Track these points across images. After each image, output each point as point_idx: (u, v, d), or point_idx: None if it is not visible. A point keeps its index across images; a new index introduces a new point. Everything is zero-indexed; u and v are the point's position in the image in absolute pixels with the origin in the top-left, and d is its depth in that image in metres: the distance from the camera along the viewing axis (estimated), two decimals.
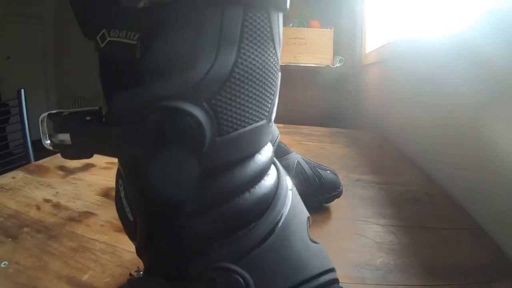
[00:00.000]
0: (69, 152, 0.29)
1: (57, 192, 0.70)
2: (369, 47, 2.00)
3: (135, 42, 0.23)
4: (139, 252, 0.31)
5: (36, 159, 1.51)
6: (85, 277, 0.43)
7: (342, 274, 0.44)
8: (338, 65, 2.20)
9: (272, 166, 0.31)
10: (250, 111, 0.27)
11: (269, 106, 0.29)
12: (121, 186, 0.31)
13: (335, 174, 0.65)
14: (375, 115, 1.66)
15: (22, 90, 1.62)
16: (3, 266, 0.45)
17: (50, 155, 0.96)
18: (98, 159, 0.92)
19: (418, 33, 1.11)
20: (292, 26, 2.32)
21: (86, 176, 0.81)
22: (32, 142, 1.63)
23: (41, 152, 1.23)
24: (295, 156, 0.64)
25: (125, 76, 0.25)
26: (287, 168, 0.61)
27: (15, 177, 0.79)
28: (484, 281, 0.45)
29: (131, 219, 0.29)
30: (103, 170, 0.84)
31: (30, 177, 0.79)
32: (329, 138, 1.30)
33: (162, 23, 0.23)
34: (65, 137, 0.28)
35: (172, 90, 0.24)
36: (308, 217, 0.31)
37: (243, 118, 0.26)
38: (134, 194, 0.28)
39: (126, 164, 0.29)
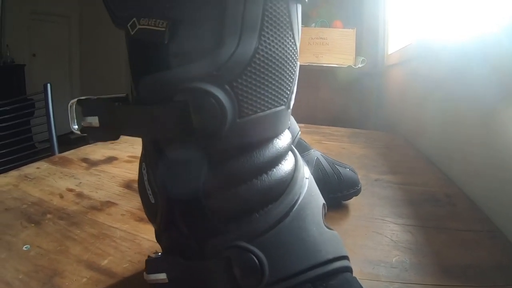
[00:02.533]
0: (96, 134, 0.30)
1: (80, 183, 0.72)
2: (391, 48, 1.98)
3: (164, 29, 0.25)
4: (158, 236, 0.32)
5: (60, 152, 1.55)
6: (104, 262, 0.44)
7: (357, 270, 0.44)
8: (360, 65, 2.18)
9: (290, 153, 0.32)
10: (270, 95, 0.28)
11: (288, 92, 0.30)
12: (144, 169, 0.32)
13: (354, 172, 0.64)
14: (396, 116, 1.65)
15: (48, 85, 1.65)
16: (25, 249, 0.47)
17: (72, 148, 0.99)
18: (121, 153, 0.94)
19: (441, 34, 1.09)
20: (315, 26, 2.31)
21: (109, 168, 0.82)
22: (57, 137, 1.67)
23: (65, 146, 1.26)
24: (315, 153, 0.64)
25: (153, 61, 0.27)
26: (307, 164, 0.61)
27: (40, 167, 0.82)
28: (500, 284, 0.44)
29: (152, 201, 0.30)
30: (125, 163, 0.86)
31: (54, 167, 0.82)
32: (349, 138, 1.30)
33: (188, 11, 0.25)
34: (93, 119, 0.29)
35: (197, 73, 0.25)
36: (324, 204, 0.32)
37: (262, 102, 0.27)
38: (156, 176, 0.29)
39: (150, 146, 0.30)
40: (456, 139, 0.87)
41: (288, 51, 0.28)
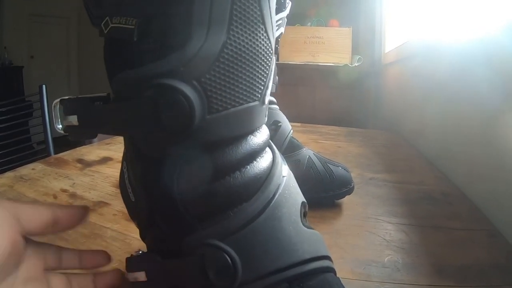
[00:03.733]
0: (76, 132, 0.30)
1: (74, 183, 0.72)
2: (388, 46, 1.98)
3: (133, 27, 0.25)
4: (142, 235, 0.32)
5: (57, 153, 1.55)
6: None
7: (347, 270, 0.45)
8: (356, 64, 2.18)
9: (268, 150, 0.32)
10: (241, 91, 0.27)
11: (262, 88, 0.29)
12: (125, 168, 0.32)
13: (347, 171, 0.64)
14: (393, 115, 1.65)
15: (44, 86, 1.67)
16: None
17: (68, 149, 0.99)
18: (116, 153, 0.94)
19: (439, 32, 1.09)
20: (311, 25, 2.32)
21: (103, 168, 0.83)
22: (53, 139, 1.67)
23: (62, 148, 1.26)
24: (307, 152, 0.64)
25: (125, 58, 0.27)
26: (298, 163, 0.61)
27: (35, 168, 0.82)
28: (496, 284, 0.44)
29: (133, 199, 0.31)
30: (119, 164, 0.84)
31: (49, 168, 0.82)
32: (345, 137, 1.30)
33: (157, 7, 0.25)
34: (73, 118, 0.30)
35: (165, 69, 0.25)
36: (303, 202, 0.31)
37: (233, 98, 0.27)
38: (135, 174, 0.29)
39: (129, 144, 0.30)
40: (455, 138, 0.87)
41: (260, 45, 0.28)
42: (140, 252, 0.32)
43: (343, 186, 0.62)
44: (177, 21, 0.25)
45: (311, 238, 0.29)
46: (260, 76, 0.29)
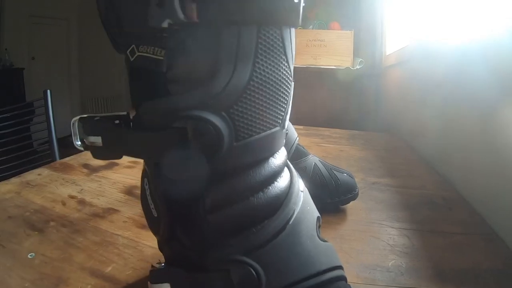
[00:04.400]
0: (100, 153, 0.32)
1: (82, 189, 0.73)
2: (389, 49, 1.98)
3: (162, 58, 0.26)
4: (161, 246, 0.33)
5: (60, 155, 1.56)
6: (108, 269, 0.45)
7: (353, 275, 0.46)
8: (358, 67, 2.19)
9: (286, 169, 0.34)
10: (265, 119, 0.29)
11: (283, 114, 0.31)
12: (146, 184, 0.33)
13: (352, 177, 0.66)
14: (395, 117, 1.66)
15: (48, 91, 1.66)
16: (29, 257, 0.48)
17: (72, 151, 1.00)
18: (122, 158, 0.95)
19: (439, 35, 1.10)
20: (312, 28, 2.32)
21: (109, 174, 0.83)
22: (58, 140, 1.67)
23: (65, 149, 1.27)
24: (313, 159, 0.65)
25: (152, 87, 0.28)
26: (305, 170, 0.62)
27: (41, 173, 0.83)
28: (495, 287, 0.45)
29: (155, 215, 0.32)
30: (126, 169, 0.87)
31: (56, 174, 0.83)
32: (347, 141, 1.31)
33: (186, 40, 0.26)
34: (96, 139, 0.31)
35: (195, 101, 0.26)
36: (318, 217, 0.33)
37: (258, 126, 0.29)
38: (157, 191, 0.30)
39: (151, 164, 0.31)
40: (455, 141, 0.88)
41: (282, 75, 0.29)
42: (162, 264, 0.33)
43: (348, 192, 0.64)
44: (204, 55, 0.26)
45: (326, 251, 0.31)
46: (281, 103, 0.30)
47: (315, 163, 0.64)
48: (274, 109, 0.29)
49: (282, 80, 0.29)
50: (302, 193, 0.32)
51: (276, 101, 0.29)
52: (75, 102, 4.86)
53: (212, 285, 0.28)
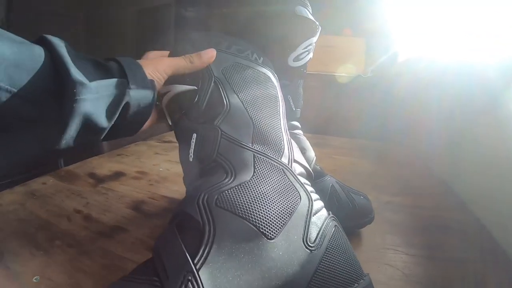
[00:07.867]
0: None
1: (88, 203, 0.70)
2: (401, 57, 1.96)
3: None
4: None
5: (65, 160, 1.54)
6: None
7: None
8: (369, 75, 2.16)
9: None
10: None
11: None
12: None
13: (368, 200, 0.63)
14: (407, 128, 1.63)
15: None
16: (34, 281, 0.45)
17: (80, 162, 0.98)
18: (128, 167, 0.92)
19: (451, 45, 1.08)
20: (323, 34, 2.29)
21: (116, 186, 0.81)
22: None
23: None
24: (330, 180, 0.62)
25: None
26: (322, 191, 0.59)
27: (46, 183, 0.80)
28: None
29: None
30: (133, 180, 0.84)
31: (61, 184, 0.80)
32: (359, 152, 1.28)
33: None
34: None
35: None
36: None
37: None
38: None
39: None
40: (469, 156, 0.85)
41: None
42: None
43: (364, 216, 0.61)
44: None
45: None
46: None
47: (332, 184, 0.62)
48: None
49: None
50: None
51: None
52: None
53: None
